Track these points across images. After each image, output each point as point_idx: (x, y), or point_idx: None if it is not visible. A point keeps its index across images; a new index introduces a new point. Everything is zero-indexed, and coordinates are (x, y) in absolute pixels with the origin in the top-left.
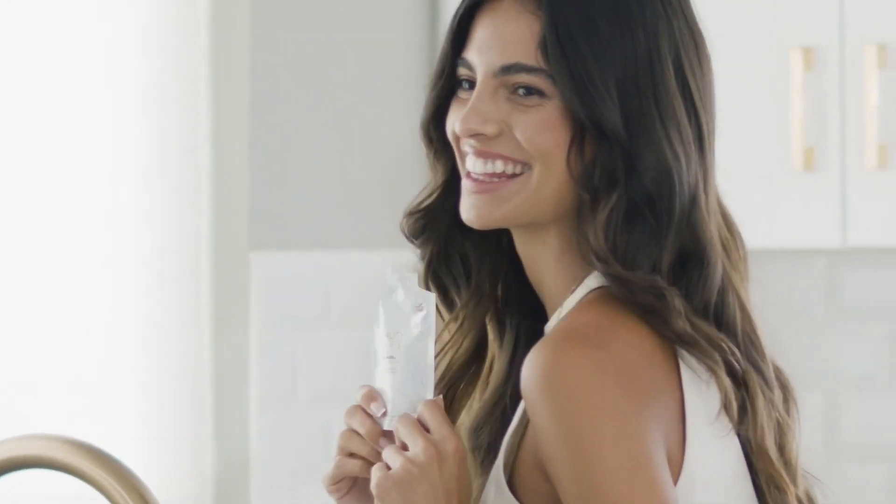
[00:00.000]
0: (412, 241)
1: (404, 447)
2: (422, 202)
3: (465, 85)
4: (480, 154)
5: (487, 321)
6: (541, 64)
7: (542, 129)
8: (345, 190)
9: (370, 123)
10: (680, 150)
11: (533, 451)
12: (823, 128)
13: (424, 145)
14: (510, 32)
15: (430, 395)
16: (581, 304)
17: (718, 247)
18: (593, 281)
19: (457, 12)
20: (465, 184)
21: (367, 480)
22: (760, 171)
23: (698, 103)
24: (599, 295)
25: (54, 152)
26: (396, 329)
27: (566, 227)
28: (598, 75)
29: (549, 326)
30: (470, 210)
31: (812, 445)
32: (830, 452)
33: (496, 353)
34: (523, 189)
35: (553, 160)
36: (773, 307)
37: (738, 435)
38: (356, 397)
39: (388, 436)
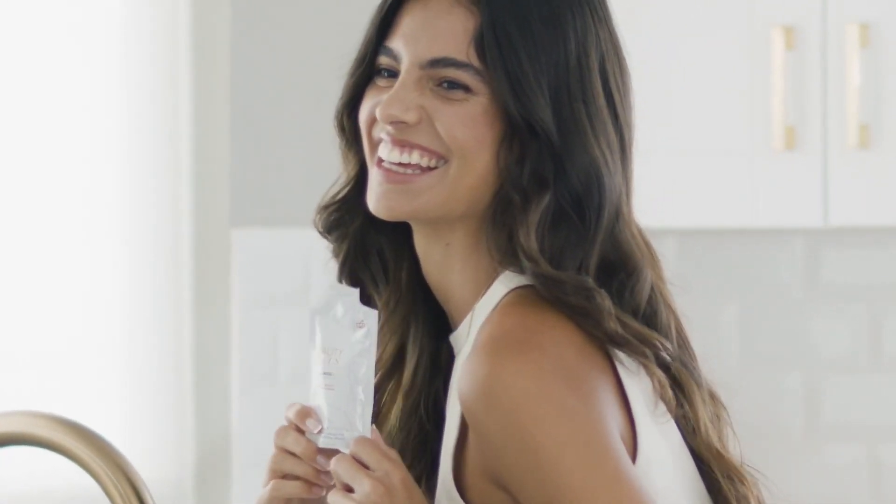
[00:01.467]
0: (326, 237)
1: (348, 489)
2: (336, 195)
3: (385, 73)
4: (397, 143)
5: (410, 321)
6: (472, 60)
7: (464, 124)
8: (326, 167)
9: None
10: (608, 156)
11: (481, 463)
12: (804, 107)
13: (337, 134)
14: (442, 26)
15: (368, 415)
16: (501, 307)
17: (645, 254)
18: (503, 283)
19: (386, 3)
20: (376, 172)
21: (303, 502)
22: (741, 150)
23: (621, 115)
24: (517, 296)
25: (33, 131)
26: (335, 345)
27: (474, 228)
28: (532, 76)
29: (461, 333)
30: (379, 200)
31: (792, 426)
32: (810, 433)
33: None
34: (438, 183)
35: (472, 156)
36: (753, 287)
37: (678, 426)
38: (287, 415)
39: (325, 453)
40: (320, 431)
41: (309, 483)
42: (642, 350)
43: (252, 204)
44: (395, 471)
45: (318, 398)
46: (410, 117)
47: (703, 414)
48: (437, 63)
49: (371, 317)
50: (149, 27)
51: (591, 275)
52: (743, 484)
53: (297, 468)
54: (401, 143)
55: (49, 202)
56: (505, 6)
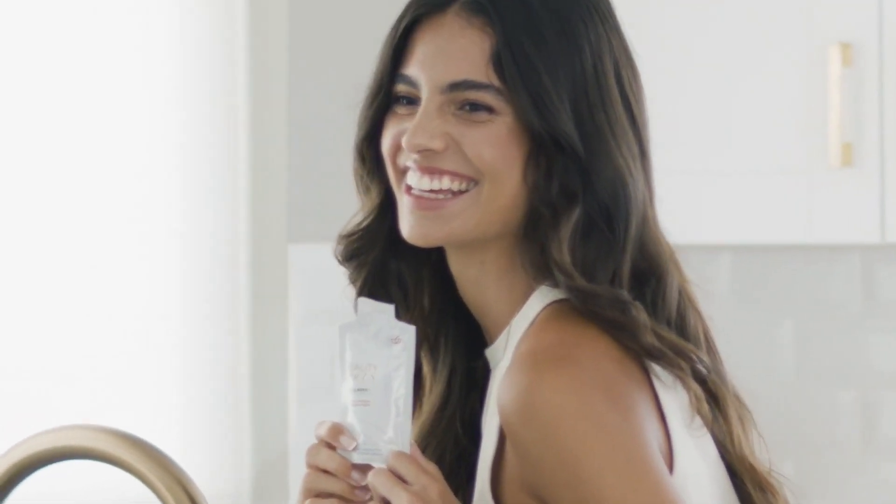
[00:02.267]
0: (345, 265)
1: (386, 503)
2: (360, 223)
3: (404, 101)
4: (426, 170)
5: (439, 341)
6: (492, 80)
7: (492, 145)
8: None
9: None
10: (631, 162)
11: (519, 476)
12: (861, 123)
13: (357, 165)
14: (458, 49)
15: (407, 427)
16: (539, 322)
17: (670, 255)
18: (539, 298)
19: (396, 27)
20: (406, 200)
21: None
22: (798, 167)
23: (638, 118)
24: (554, 311)
25: (90, 149)
26: (369, 361)
27: (508, 245)
28: (552, 90)
29: (498, 348)
30: (413, 228)
31: (848, 442)
32: (865, 449)
33: (430, 377)
34: (470, 206)
35: (502, 176)
36: (809, 304)
37: (714, 438)
38: (317, 433)
39: (361, 469)
40: (355, 448)
41: (344, 500)
42: (678, 363)
43: (309, 219)
44: (433, 484)
45: (349, 415)
46: (437, 144)
47: (737, 427)
48: (457, 86)
49: (408, 332)
50: (206, 44)
51: (624, 284)
52: (773, 495)
53: (333, 486)
54: (429, 171)
55: (107, 218)
56: (518, 23)
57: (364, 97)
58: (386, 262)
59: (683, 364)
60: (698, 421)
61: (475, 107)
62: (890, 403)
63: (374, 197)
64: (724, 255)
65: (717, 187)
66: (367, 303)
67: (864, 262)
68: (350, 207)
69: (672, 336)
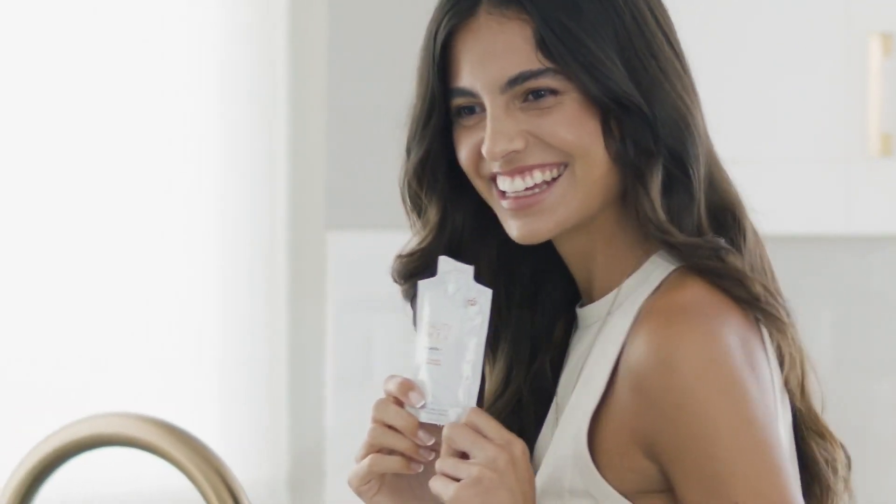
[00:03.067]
0: (401, 283)
1: (462, 455)
2: (420, 243)
3: (465, 112)
4: (516, 172)
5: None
6: (545, 64)
7: (569, 125)
8: None
9: None
10: (687, 99)
11: (633, 428)
12: None
13: (413, 187)
14: (502, 45)
15: (475, 391)
16: (671, 281)
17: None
18: (659, 264)
19: (432, 44)
20: (505, 205)
21: (396, 478)
22: (838, 157)
23: (680, 53)
24: (681, 274)
25: (134, 134)
26: (444, 321)
27: (613, 213)
28: (601, 54)
29: (599, 307)
30: (521, 229)
31: (886, 433)
32: None
33: (506, 341)
34: (568, 190)
35: (588, 151)
36: (847, 294)
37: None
38: (386, 388)
39: (427, 429)
40: (423, 406)
41: (408, 459)
42: (782, 313)
43: (347, 207)
44: (517, 441)
45: (421, 373)
46: (518, 145)
47: (810, 376)
48: (514, 81)
49: (485, 295)
50: (246, 31)
51: (704, 226)
52: (832, 445)
53: (398, 442)
54: (518, 171)
55: (145, 206)
56: (550, 2)
57: (411, 118)
58: None
59: (784, 315)
60: (781, 379)
61: (539, 94)
62: None
63: (433, 216)
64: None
65: (755, 177)
66: (447, 262)
67: None
68: (388, 195)
69: (769, 282)
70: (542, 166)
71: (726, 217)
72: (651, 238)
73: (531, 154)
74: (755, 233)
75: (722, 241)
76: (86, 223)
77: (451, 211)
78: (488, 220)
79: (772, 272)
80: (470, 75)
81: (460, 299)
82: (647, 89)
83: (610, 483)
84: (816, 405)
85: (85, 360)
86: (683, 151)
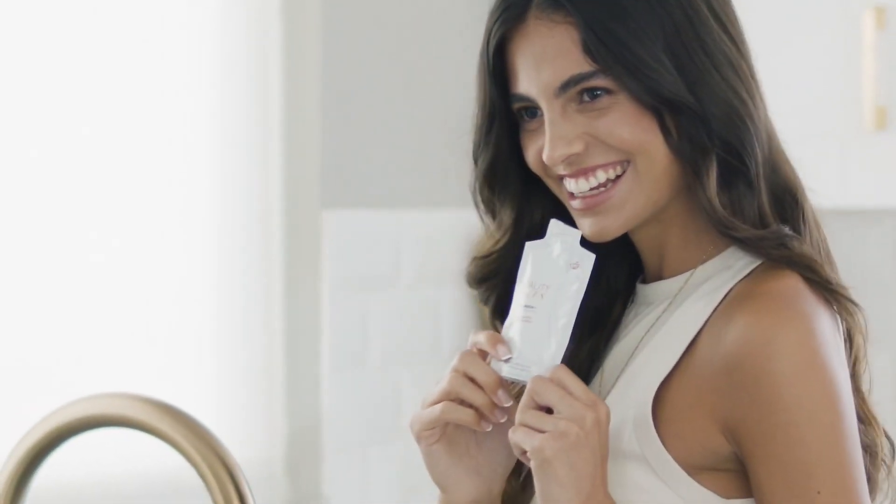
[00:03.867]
0: (476, 287)
1: (546, 410)
2: (495, 245)
3: (527, 115)
4: (579, 174)
5: None
6: (593, 66)
7: (627, 124)
8: (416, 148)
9: (440, 82)
10: (742, 90)
11: (716, 405)
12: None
13: (484, 193)
14: (552, 50)
15: (561, 352)
16: (762, 270)
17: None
18: (740, 253)
19: (486, 52)
20: (574, 205)
21: (458, 430)
22: (832, 131)
23: (737, 38)
24: (774, 265)
25: (128, 117)
26: (544, 281)
27: (683, 202)
28: (646, 55)
29: (670, 287)
30: (592, 228)
31: (881, 404)
32: None
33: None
34: (633, 187)
35: (649, 147)
36: (843, 267)
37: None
38: (475, 339)
39: (507, 390)
40: (507, 360)
41: (481, 416)
42: (849, 302)
43: (343, 186)
44: (602, 404)
45: (512, 330)
46: (577, 148)
47: (862, 362)
48: (567, 85)
49: (588, 260)
50: (242, 12)
51: (767, 213)
52: (875, 431)
53: (476, 397)
54: (582, 173)
55: (142, 188)
56: (595, 4)
57: (475, 127)
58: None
59: (853, 305)
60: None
61: (594, 94)
62: None
63: (507, 217)
64: None
65: None
66: (556, 224)
67: None
68: (384, 174)
69: (832, 265)
70: (604, 166)
71: (787, 200)
72: (727, 237)
73: (592, 155)
74: (814, 214)
75: (786, 230)
76: (82, 208)
77: (528, 210)
78: (566, 211)
79: (828, 253)
80: (525, 81)
81: (563, 262)
82: (696, 84)
83: (670, 453)
84: (865, 389)
85: (83, 342)
86: (739, 143)
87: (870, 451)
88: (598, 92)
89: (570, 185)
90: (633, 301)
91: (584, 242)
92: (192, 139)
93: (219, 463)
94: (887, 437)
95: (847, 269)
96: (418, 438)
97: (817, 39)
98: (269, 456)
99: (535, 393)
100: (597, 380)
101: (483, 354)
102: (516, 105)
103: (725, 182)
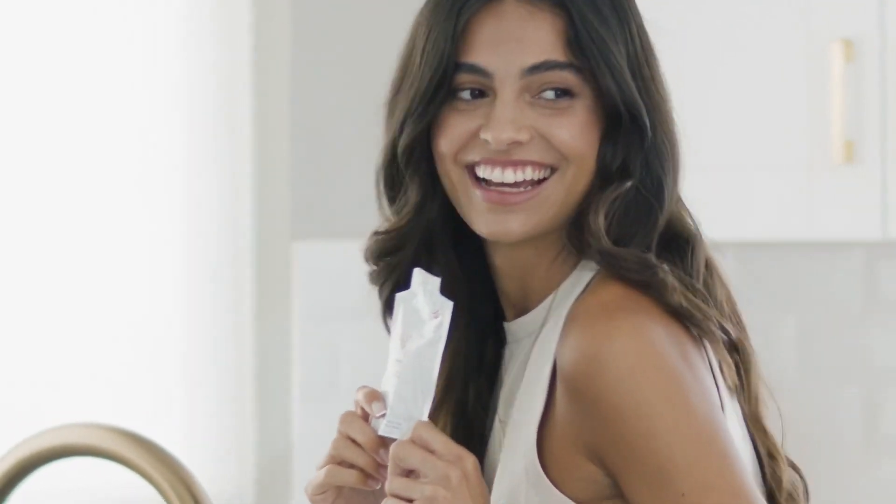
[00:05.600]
0: (374, 262)
1: (409, 474)
2: (399, 221)
3: (467, 94)
4: (509, 163)
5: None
6: (572, 59)
7: (579, 132)
8: None
9: None
10: (678, 133)
11: (574, 435)
12: (863, 120)
13: (402, 164)
14: (530, 31)
15: (427, 405)
16: (597, 282)
17: (699, 230)
18: (587, 267)
19: (455, 17)
20: (482, 197)
21: (354, 491)
22: (801, 164)
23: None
24: (603, 277)
25: (96, 143)
26: (409, 333)
27: (563, 230)
28: (624, 65)
29: (531, 320)
30: (496, 225)
31: (850, 439)
32: (868, 447)
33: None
34: (553, 194)
35: (586, 160)
36: (811, 300)
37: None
38: (356, 398)
39: (387, 446)
40: (382, 416)
41: (366, 475)
42: (708, 326)
43: (313, 216)
44: (467, 455)
45: (387, 384)
46: (523, 136)
47: (757, 397)
48: (538, 68)
49: (447, 307)
50: (212, 42)
51: (653, 249)
52: (779, 465)
53: (358, 458)
54: (513, 163)
55: (111, 216)
56: (582, 2)
57: (414, 90)
58: (419, 259)
59: (712, 327)
60: (728, 385)
61: (557, 93)
62: (892, 401)
63: (414, 196)
64: (727, 252)
65: (719, 183)
66: (419, 273)
67: (866, 259)
68: (354, 205)
69: (699, 300)
70: (537, 164)
71: (678, 244)
72: (585, 245)
73: (531, 150)
74: (713, 263)
75: (651, 258)
76: (49, 234)
77: (431, 198)
78: (455, 224)
79: (732, 307)
80: (488, 55)
81: (426, 312)
82: (651, 111)
83: (567, 495)
84: (768, 425)
85: (51, 371)
86: (665, 180)
87: (776, 485)
88: (560, 91)
89: (488, 172)
90: (505, 340)
91: (443, 290)
92: (162, 170)
93: (188, 493)
94: (799, 474)
95: (815, 302)
96: (312, 503)
97: (785, 72)
98: (240, 487)
99: (399, 458)
100: (498, 428)
101: (366, 413)
102: (462, 77)
103: (626, 210)
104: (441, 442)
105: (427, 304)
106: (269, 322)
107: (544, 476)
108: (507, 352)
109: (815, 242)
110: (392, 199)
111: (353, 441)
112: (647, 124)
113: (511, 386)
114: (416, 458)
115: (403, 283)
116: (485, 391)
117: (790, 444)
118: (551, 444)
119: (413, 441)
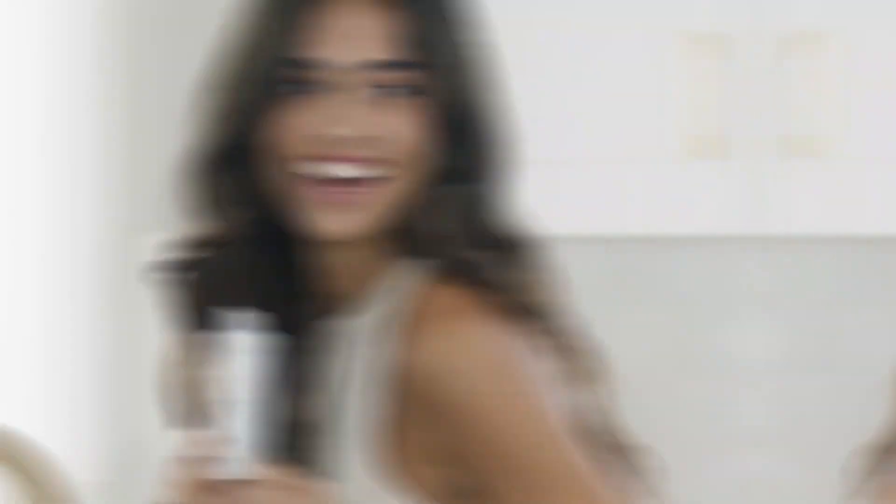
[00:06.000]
0: (182, 260)
1: None
2: (220, 221)
3: (300, 89)
4: (343, 159)
5: None
6: (417, 58)
7: (414, 129)
8: None
9: None
10: (511, 132)
11: (420, 439)
12: (732, 115)
13: (223, 161)
14: (371, 27)
15: (256, 441)
16: (427, 287)
17: (525, 235)
18: (412, 268)
19: (290, 10)
20: (313, 194)
21: None
22: (652, 158)
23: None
24: (435, 277)
25: None
26: (224, 372)
27: (389, 231)
28: (459, 63)
29: (352, 318)
30: (329, 223)
31: (703, 435)
32: (721, 442)
33: None
34: (388, 191)
35: (422, 160)
36: (667, 295)
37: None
38: (187, 443)
39: (233, 485)
40: (213, 459)
41: None
42: (533, 322)
43: (152, 211)
44: (313, 485)
45: (213, 427)
46: (358, 133)
47: (600, 384)
48: (379, 66)
49: (255, 342)
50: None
51: (484, 248)
52: (623, 454)
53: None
54: (347, 159)
55: None
56: (423, 3)
57: (246, 82)
58: (230, 266)
59: (548, 324)
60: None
61: (395, 91)
62: (745, 396)
63: (235, 195)
64: (595, 246)
65: (562, 177)
66: (232, 313)
67: (722, 253)
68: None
69: (523, 297)
70: (371, 161)
71: (511, 247)
72: (417, 245)
73: (364, 146)
74: (546, 266)
75: (477, 257)
76: None
77: (250, 198)
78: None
79: (566, 302)
80: (328, 48)
81: (237, 347)
82: (484, 112)
83: (412, 495)
84: (610, 423)
85: None
86: (496, 178)
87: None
88: (400, 90)
89: (324, 168)
90: (321, 343)
91: (260, 300)
92: (16, 153)
93: (45, 482)
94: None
95: (670, 297)
96: None
97: (641, 66)
98: (96, 479)
99: (245, 500)
100: (330, 432)
101: (202, 456)
102: (296, 73)
103: (454, 213)
104: (283, 475)
105: (237, 338)
106: (120, 316)
107: (391, 478)
108: (322, 352)
109: (671, 237)
110: (204, 199)
111: (203, 485)
112: (481, 125)
113: (337, 387)
114: (263, 497)
115: (205, 286)
116: (309, 402)
117: (644, 438)
118: (396, 446)
119: (257, 480)
